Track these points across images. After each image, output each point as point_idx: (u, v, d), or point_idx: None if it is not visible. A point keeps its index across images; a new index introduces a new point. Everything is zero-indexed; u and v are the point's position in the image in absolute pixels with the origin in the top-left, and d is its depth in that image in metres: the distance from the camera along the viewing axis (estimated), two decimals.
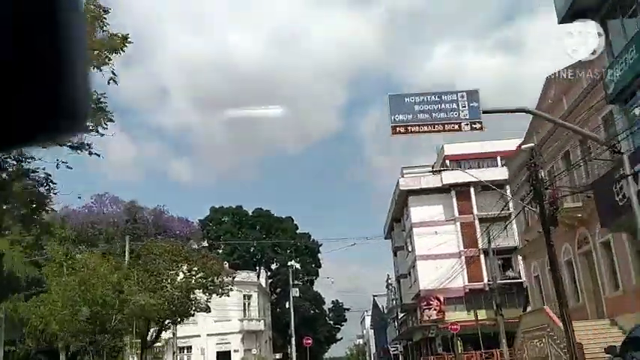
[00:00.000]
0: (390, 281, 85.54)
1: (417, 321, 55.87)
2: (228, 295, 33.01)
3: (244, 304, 51.43)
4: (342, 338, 74.41)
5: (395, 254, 65.03)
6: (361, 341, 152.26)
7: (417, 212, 52.68)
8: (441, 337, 48.55)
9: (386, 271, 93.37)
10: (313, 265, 72.05)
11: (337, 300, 73.01)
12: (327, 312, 72.89)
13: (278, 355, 61.63)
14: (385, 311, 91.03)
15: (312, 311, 71.54)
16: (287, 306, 64.87)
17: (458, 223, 51.56)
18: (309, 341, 43.50)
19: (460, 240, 51.25)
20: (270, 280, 69.07)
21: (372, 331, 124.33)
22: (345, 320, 73.19)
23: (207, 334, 49.67)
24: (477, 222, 51.05)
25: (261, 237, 68.05)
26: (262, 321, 51.01)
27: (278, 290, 68.72)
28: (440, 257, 50.33)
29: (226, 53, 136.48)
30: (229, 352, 49.74)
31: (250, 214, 69.42)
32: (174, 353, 46.02)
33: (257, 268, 65.93)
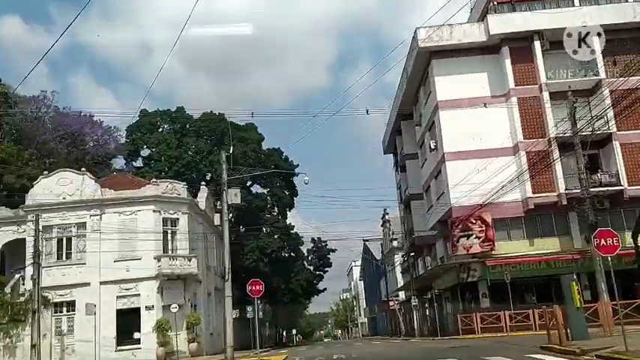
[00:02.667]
0: (387, 217, 66.58)
1: (444, 256, 36.54)
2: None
3: (165, 233, 31.61)
4: (325, 289, 55.71)
5: (402, 169, 45.22)
6: (348, 295, 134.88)
7: (446, 85, 32.67)
8: (489, 281, 29.23)
9: (374, 222, 73.48)
10: (287, 192, 52.15)
11: (319, 238, 53.88)
12: (306, 255, 53.68)
13: (234, 314, 42.17)
14: (381, 256, 72.16)
15: (284, 253, 52.07)
16: (253, 249, 45.27)
17: (513, 100, 31.65)
18: (258, 288, 23.80)
19: (517, 126, 31.44)
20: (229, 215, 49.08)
21: (362, 283, 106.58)
22: (330, 265, 54.08)
23: (102, 282, 29.99)
24: (545, 97, 31.18)
25: (211, 149, 47.75)
26: (194, 260, 31.24)
27: (242, 229, 48.77)
28: (482, 155, 30.71)
29: (212, 8, 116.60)
30: (138, 309, 30.16)
31: (197, 118, 48.89)
32: (36, 312, 26.42)
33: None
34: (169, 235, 31.89)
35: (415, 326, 36.99)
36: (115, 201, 31.04)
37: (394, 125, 45.22)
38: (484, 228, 30.22)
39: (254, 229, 45.75)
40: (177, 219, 32.14)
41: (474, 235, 30.26)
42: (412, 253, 42.14)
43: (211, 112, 49.26)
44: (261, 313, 70.20)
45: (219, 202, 50.71)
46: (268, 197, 50.36)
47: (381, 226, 70.39)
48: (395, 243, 61.76)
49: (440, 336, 30.60)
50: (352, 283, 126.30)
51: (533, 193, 30.50)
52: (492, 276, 29.01)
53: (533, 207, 30.32)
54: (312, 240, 54.31)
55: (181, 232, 31.99)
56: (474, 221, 30.32)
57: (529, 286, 30.13)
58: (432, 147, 33.53)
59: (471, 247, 30.21)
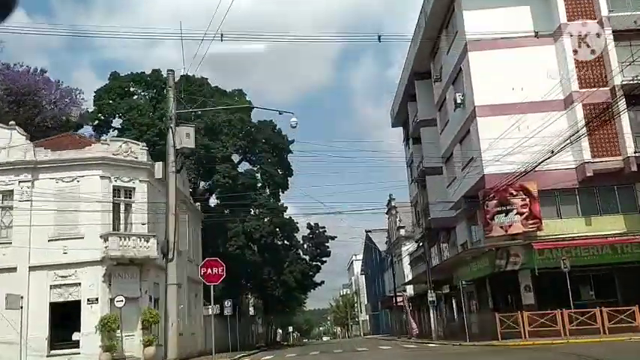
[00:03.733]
0: (393, 203, 59.70)
1: (467, 242, 29.70)
2: None
3: (116, 206, 24.69)
4: (322, 283, 48.78)
5: (415, 141, 38.18)
6: (348, 291, 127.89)
7: (477, 21, 25.67)
8: (536, 270, 22.23)
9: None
10: (279, 171, 45.15)
11: (316, 224, 46.87)
12: (301, 242, 46.71)
13: (210, 310, 35.36)
14: (386, 248, 65.33)
15: (277, 241, 45.12)
16: (237, 233, 38.35)
17: (565, 40, 24.65)
18: (216, 272, 16.87)
19: (570, 72, 24.46)
20: (204, 190, 42.24)
21: (364, 277, 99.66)
22: (328, 255, 47.11)
23: (31, 267, 23.15)
24: (607, 34, 24.19)
25: (190, 116, 40.71)
26: (153, 241, 24.22)
27: (225, 211, 41.74)
28: (523, 109, 23.77)
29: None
30: (78, 302, 23.28)
31: (175, 82, 41.63)
32: None
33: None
34: (122, 209, 24.99)
35: (432, 326, 30.09)
36: (51, 163, 24.15)
37: (406, 89, 38.21)
38: (528, 201, 23.27)
39: (240, 210, 38.78)
40: (133, 188, 25.20)
41: (515, 211, 23.30)
42: (426, 240, 35.04)
43: (193, 75, 42.20)
44: (251, 309, 63.71)
45: (201, 182, 44.03)
46: (258, 175, 43.33)
47: (386, 213, 63.46)
48: (402, 232, 54.87)
49: (469, 340, 23.66)
50: (353, 279, 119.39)
51: (593, 157, 23.55)
52: (541, 263, 22.03)
53: (591, 175, 23.37)
54: (309, 226, 47.38)
55: (138, 206, 25.06)
56: (515, 193, 23.37)
57: (585, 277, 23.19)
58: (459, 102, 26.52)
59: (510, 225, 23.25)
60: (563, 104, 24.43)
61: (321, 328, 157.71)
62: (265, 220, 40.73)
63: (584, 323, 20.18)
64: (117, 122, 41.89)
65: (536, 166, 22.38)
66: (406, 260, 52.41)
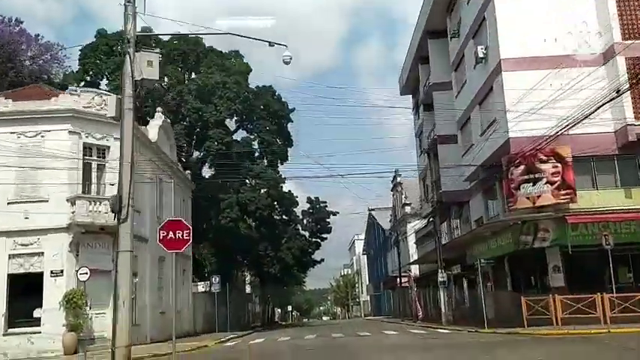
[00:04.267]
0: (398, 179, 56.66)
1: (482, 217, 26.68)
2: None
3: (87, 166, 21.61)
4: (322, 260, 45.85)
5: (427, 107, 34.92)
6: (349, 271, 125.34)
7: None
8: (570, 248, 19.14)
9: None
10: (278, 140, 41.95)
11: (317, 198, 43.75)
12: (300, 218, 43.67)
13: (200, 287, 32.64)
14: (390, 227, 62.50)
15: (274, 215, 42.09)
16: (231, 204, 35.36)
17: None
18: (180, 236, 13.49)
19: (611, 21, 21.16)
20: (197, 160, 39.13)
21: (365, 257, 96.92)
22: (329, 231, 44.02)
23: None
24: None
25: (182, 77, 37.59)
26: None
27: (219, 181, 38.58)
28: (555, 63, 20.57)
29: None
30: (40, 275, 20.36)
31: (167, 41, 38.39)
32: None
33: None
34: (94, 170, 21.90)
35: (442, 309, 27.14)
36: (12, 115, 21.03)
37: (418, 51, 34.86)
38: (560, 168, 20.11)
39: (234, 180, 35.70)
40: (107, 147, 22.08)
41: (545, 180, 20.16)
42: (437, 214, 31.92)
43: (186, 35, 38.77)
44: (248, 286, 61.02)
45: (195, 152, 40.68)
46: (255, 144, 40.17)
47: (392, 190, 60.46)
48: (408, 209, 51.87)
49: (487, 326, 20.63)
50: (354, 258, 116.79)
51: (636, 119, 20.35)
52: (574, 240, 18.96)
53: (634, 139, 20.19)
54: (308, 200, 44.24)
55: (113, 167, 21.94)
56: (545, 158, 20.20)
57: (623, 257, 20.09)
58: (481, 56, 23.22)
59: (539, 196, 20.12)
60: (602, 58, 21.20)
61: (321, 308, 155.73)
62: (262, 191, 37.65)
63: (628, 310, 17.15)
64: (105, 85, 38.75)
65: (570, 128, 19.19)
66: (411, 239, 49.50)
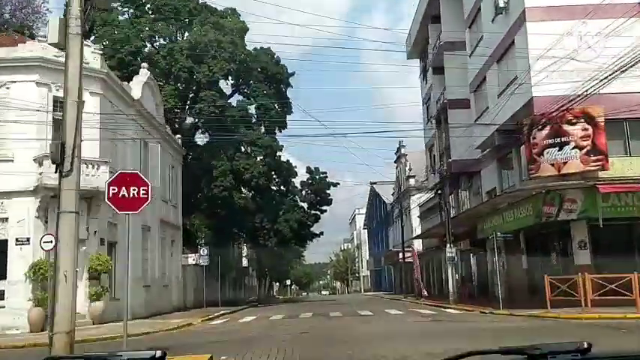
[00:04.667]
0: (402, 150, 54.51)
1: (495, 188, 24.45)
2: None
3: (58, 122, 19.30)
4: (321, 234, 43.70)
5: (436, 71, 32.42)
6: (350, 245, 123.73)
7: None
8: (601, 221, 16.88)
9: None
10: (276, 105, 39.46)
11: (317, 168, 41.31)
12: (299, 188, 41.40)
13: (191, 259, 30.54)
14: (393, 200, 60.46)
15: (271, 185, 39.85)
16: (224, 172, 33.16)
17: None
18: (134, 193, 11.07)
19: None
20: (191, 126, 36.74)
21: (366, 232, 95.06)
22: (329, 203, 41.72)
23: None
24: None
25: (172, 34, 35.00)
26: (105, 168, 18.87)
27: (213, 145, 36.22)
28: (585, 12, 18.07)
29: None
30: (5, 242, 18.23)
31: None
32: None
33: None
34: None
35: (450, 287, 25.01)
36: None
37: (427, 9, 32.26)
38: (590, 131, 17.77)
39: (229, 146, 33.42)
40: (82, 103, 19.67)
41: (572, 144, 17.84)
42: (446, 184, 29.60)
43: None
44: (245, 260, 59.11)
45: (188, 118, 38.12)
46: (252, 109, 37.72)
47: (395, 162, 58.19)
48: (412, 181, 49.68)
49: (502, 307, 18.46)
50: (355, 233, 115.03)
51: None
52: (606, 212, 16.72)
53: None
54: (308, 170, 41.87)
55: (87, 124, 19.61)
56: (574, 120, 17.85)
57: None
58: (501, 5, 20.72)
59: (565, 162, 17.83)
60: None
61: (321, 282, 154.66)
62: (258, 159, 35.34)
63: None
64: (92, 41, 36.18)
65: (603, 86, 16.79)
66: (415, 213, 47.43)
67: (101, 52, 20.51)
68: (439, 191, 28.80)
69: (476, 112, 25.60)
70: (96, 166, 18.78)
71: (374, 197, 77.84)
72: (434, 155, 35.73)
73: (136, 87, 23.91)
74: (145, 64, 26.22)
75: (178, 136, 31.87)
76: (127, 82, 23.85)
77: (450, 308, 22.53)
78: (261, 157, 35.42)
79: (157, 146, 25.62)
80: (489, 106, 23.30)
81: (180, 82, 33.10)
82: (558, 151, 17.91)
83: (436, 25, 31.92)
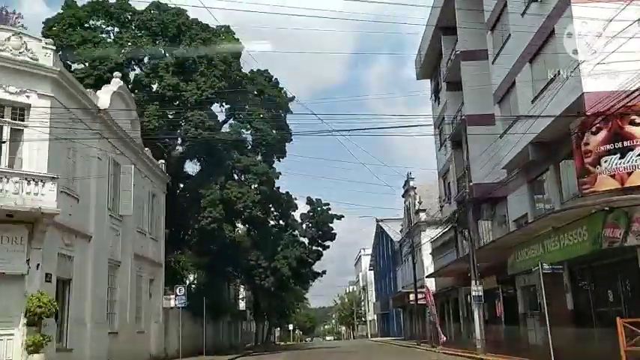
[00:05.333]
0: (411, 183, 50.88)
1: (527, 214, 20.56)
2: None
3: None
4: (324, 273, 39.53)
5: (452, 87, 28.98)
6: (355, 288, 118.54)
7: None
8: None
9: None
10: (273, 131, 35.98)
11: (318, 199, 37.36)
12: (299, 222, 37.50)
13: (174, 300, 26.44)
14: (400, 238, 56.38)
15: (268, 219, 36.01)
16: (213, 202, 29.50)
17: None
18: None
19: None
20: (180, 155, 33.27)
21: (372, 273, 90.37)
22: (333, 238, 37.73)
23: None
24: None
25: (157, 51, 31.72)
26: (52, 186, 15.15)
27: (201, 174, 32.59)
28: None
29: None
30: None
31: (144, 9, 32.64)
32: None
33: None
34: (5, 135, 15.96)
35: (477, 333, 20.79)
36: None
37: (439, 20, 29.06)
38: None
39: (220, 173, 29.76)
40: (28, 105, 16.15)
41: (639, 150, 14.07)
42: (469, 209, 25.61)
43: (166, 4, 32.95)
44: (242, 302, 54.73)
45: (178, 147, 34.42)
46: (246, 134, 34.20)
47: (403, 196, 54.31)
48: (422, 216, 45.70)
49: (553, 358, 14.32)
50: (360, 274, 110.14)
51: None
52: None
53: None
54: (308, 200, 38.03)
55: (34, 132, 15.98)
56: (639, 119, 14.13)
57: None
58: None
59: (631, 172, 14.04)
60: None
61: (325, 327, 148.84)
62: (252, 187, 31.59)
63: None
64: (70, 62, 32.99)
65: None
66: (426, 250, 43.33)
67: (54, 47, 17.00)
68: (457, 221, 24.81)
69: (502, 125, 21.95)
70: (40, 183, 15.03)
71: (380, 235, 73.76)
72: (449, 183, 32.03)
73: (104, 96, 20.38)
74: (117, 73, 22.76)
75: (162, 161, 28.24)
76: (93, 90, 20.34)
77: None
78: (256, 186, 31.66)
79: (131, 167, 21.95)
80: (520, 116, 19.64)
81: (165, 101, 29.65)
82: (620, 158, 14.16)
83: (450, 37, 28.72)
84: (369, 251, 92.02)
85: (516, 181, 22.15)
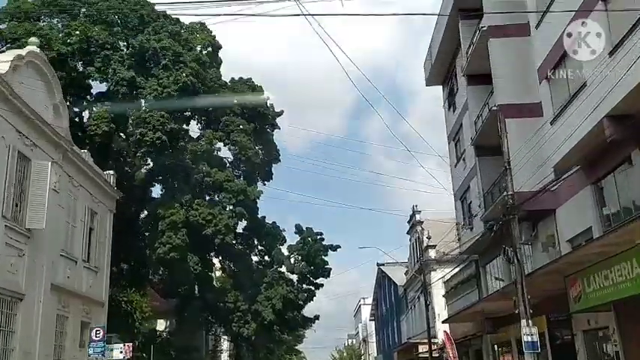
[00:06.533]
0: (417, 217, 45.08)
1: (593, 228, 14.32)
2: None
3: None
4: (317, 318, 32.74)
5: (469, 81, 23.27)
6: (354, 341, 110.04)
7: None
8: None
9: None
10: (260, 150, 30.20)
11: (309, 228, 31.01)
12: (287, 255, 31.14)
13: (118, 351, 20.05)
14: (405, 282, 49.99)
15: (247, 251, 29.72)
16: (174, 225, 23.22)
17: None
18: None
19: None
20: (146, 175, 27.45)
21: (373, 324, 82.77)
22: (328, 275, 31.03)
23: None
24: None
25: (113, 42, 26.17)
26: None
27: (164, 195, 26.45)
28: None
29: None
30: None
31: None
32: None
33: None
34: None
35: None
36: None
37: (455, 2, 23.66)
38: None
39: (184, 191, 23.71)
40: None
41: None
42: (513, 220, 19.32)
43: None
44: (224, 355, 47.66)
45: (144, 168, 28.13)
46: (223, 147, 28.38)
47: (408, 233, 48.06)
48: (432, 253, 39.47)
49: None
50: (360, 326, 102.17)
51: None
52: None
53: None
54: (298, 229, 31.77)
55: None
56: None
57: None
58: None
59: None
60: None
61: None
62: (228, 208, 25.51)
63: None
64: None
65: None
66: (437, 293, 36.86)
67: None
68: (495, 236, 18.36)
69: (553, 108, 16.14)
70: None
71: (382, 281, 66.94)
72: (469, 203, 25.98)
73: (5, 58, 14.59)
74: (34, 39, 17.07)
75: (111, 172, 22.25)
76: None
77: None
78: (231, 207, 25.53)
79: (47, 165, 15.96)
80: (587, 85, 13.86)
81: (117, 100, 23.89)
82: None
83: (470, 21, 23.22)
84: (369, 300, 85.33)
85: (574, 184, 16.23)
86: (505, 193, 16.20)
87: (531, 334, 14.20)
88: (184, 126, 26.30)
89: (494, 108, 19.41)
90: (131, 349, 20.87)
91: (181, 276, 24.98)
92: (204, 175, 24.56)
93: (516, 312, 14.60)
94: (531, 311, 14.53)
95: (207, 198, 25.86)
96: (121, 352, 20.61)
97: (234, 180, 25.98)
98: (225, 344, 45.38)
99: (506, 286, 17.78)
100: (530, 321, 14.42)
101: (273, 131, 32.24)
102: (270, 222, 32.08)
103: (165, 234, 22.69)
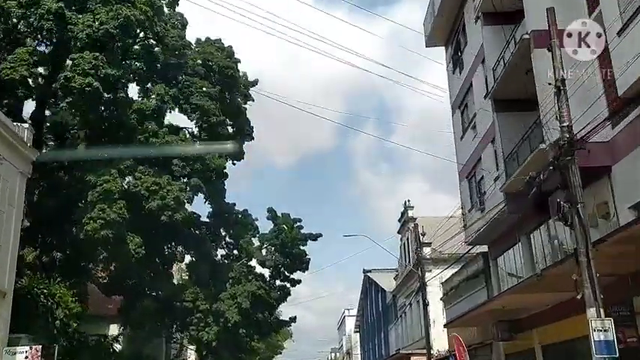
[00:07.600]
0: (410, 213, 40.68)
1: None
2: None
3: None
4: (294, 320, 27.60)
5: (485, 20, 18.49)
6: (338, 355, 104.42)
7: None
8: None
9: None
10: (228, 124, 25.23)
11: (286, 214, 25.95)
12: (258, 245, 26.01)
13: (22, 356, 14.82)
14: (395, 286, 45.18)
15: (209, 239, 24.65)
16: (105, 191, 17.90)
17: None
18: None
19: None
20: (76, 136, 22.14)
21: (358, 336, 77.56)
22: (306, 268, 25.94)
23: None
24: None
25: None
26: None
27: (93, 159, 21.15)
28: None
29: None
30: None
31: None
32: None
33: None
34: None
35: None
36: None
37: None
38: None
39: (122, 155, 18.61)
40: None
41: None
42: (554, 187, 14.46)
43: None
44: None
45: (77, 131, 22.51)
46: (180, 113, 23.33)
47: (399, 232, 43.20)
48: (427, 251, 34.65)
49: None
50: (344, 339, 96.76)
51: None
52: None
53: None
54: (270, 213, 26.71)
55: None
56: None
57: None
58: None
59: None
60: None
61: None
62: (183, 179, 20.43)
63: None
64: None
65: None
66: (433, 295, 31.97)
67: None
68: (535, 192, 13.33)
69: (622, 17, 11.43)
70: None
71: (369, 289, 62.03)
72: (479, 180, 21.22)
73: None
74: None
75: (25, 125, 17.14)
76: None
77: None
78: (184, 179, 20.44)
79: None
80: None
81: (41, 39, 18.83)
82: None
83: None
84: (354, 312, 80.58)
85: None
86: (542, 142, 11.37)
87: (605, 330, 9.27)
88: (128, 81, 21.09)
89: (526, 36, 14.64)
90: (39, 353, 15.78)
91: (122, 264, 19.81)
92: (149, 135, 19.49)
93: (579, 297, 9.69)
94: (602, 296, 9.61)
95: (156, 168, 20.62)
96: (27, 357, 15.62)
97: (187, 140, 20.94)
98: (191, 355, 40.09)
99: (559, 262, 12.77)
100: (600, 309, 9.49)
101: (245, 103, 27.34)
102: (242, 209, 27.07)
103: (97, 206, 17.52)
